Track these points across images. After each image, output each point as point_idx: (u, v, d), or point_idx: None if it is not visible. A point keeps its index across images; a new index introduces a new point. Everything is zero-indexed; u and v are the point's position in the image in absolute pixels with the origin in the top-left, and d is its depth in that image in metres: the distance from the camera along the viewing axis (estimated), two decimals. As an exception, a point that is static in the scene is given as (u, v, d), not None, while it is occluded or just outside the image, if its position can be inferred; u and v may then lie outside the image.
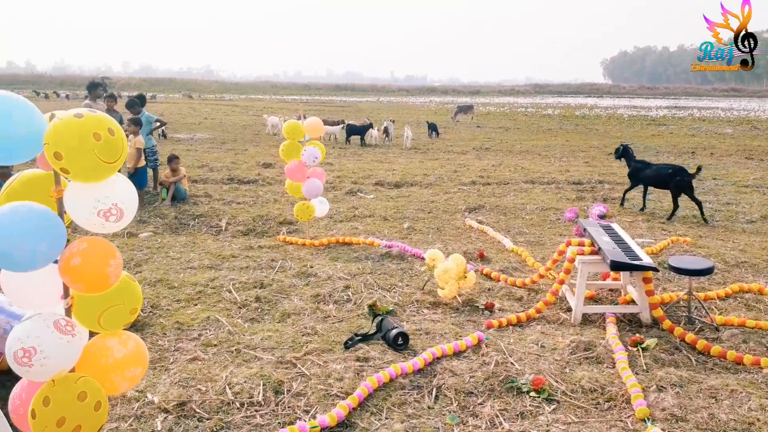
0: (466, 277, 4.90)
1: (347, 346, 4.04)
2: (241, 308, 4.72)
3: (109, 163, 2.07)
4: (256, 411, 3.22)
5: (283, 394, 3.39)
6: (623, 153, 9.23)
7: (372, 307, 4.64)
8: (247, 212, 8.28)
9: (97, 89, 8.59)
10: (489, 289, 5.27)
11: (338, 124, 19.23)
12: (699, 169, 8.24)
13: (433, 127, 20.89)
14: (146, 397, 3.31)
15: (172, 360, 3.79)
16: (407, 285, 5.32)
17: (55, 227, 2.15)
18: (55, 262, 2.28)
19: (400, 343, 4.03)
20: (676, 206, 8.20)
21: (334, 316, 4.61)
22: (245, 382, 3.47)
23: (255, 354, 3.89)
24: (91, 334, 2.43)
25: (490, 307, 4.77)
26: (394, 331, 4.06)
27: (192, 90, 69.50)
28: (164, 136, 17.74)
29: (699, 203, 8.14)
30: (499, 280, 5.46)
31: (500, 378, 3.59)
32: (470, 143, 18.91)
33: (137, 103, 9.18)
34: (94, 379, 2.21)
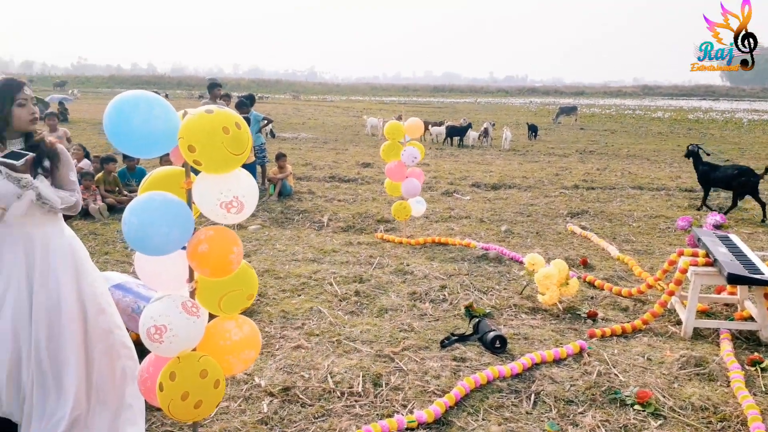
0: (568, 284, 4.77)
1: (444, 345, 4.07)
2: (341, 301, 4.88)
3: (236, 155, 2.22)
4: (355, 401, 3.32)
5: (382, 387, 3.48)
6: (691, 154, 8.85)
7: (469, 309, 4.64)
8: (347, 209, 8.51)
9: (215, 89, 9.16)
10: (592, 298, 5.09)
11: (440, 125, 19.35)
12: (767, 170, 8.06)
13: (533, 129, 20.41)
14: (254, 380, 3.51)
15: (277, 346, 3.99)
16: (505, 289, 5.26)
17: (185, 215, 2.34)
18: (183, 248, 2.48)
19: (497, 346, 4.00)
20: (734, 205, 8.23)
21: (430, 315, 4.65)
22: (346, 372, 3.59)
23: (355, 346, 4.01)
24: (210, 318, 2.62)
25: (592, 316, 4.62)
26: (492, 334, 4.04)
27: (296, 91, 72.13)
28: (273, 135, 18.56)
29: (763, 204, 8.02)
30: (603, 289, 5.26)
31: (602, 389, 3.48)
32: (573, 146, 18.29)
33: (246, 103, 9.67)
34: (213, 359, 2.39)
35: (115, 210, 7.94)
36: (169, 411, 2.32)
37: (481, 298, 5.00)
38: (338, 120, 28.84)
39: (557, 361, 3.84)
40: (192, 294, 2.50)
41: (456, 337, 4.15)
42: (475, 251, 6.40)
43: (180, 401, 2.27)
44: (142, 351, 2.62)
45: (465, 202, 9.38)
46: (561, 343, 4.06)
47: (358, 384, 3.47)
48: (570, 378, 3.61)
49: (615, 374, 3.66)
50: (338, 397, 3.35)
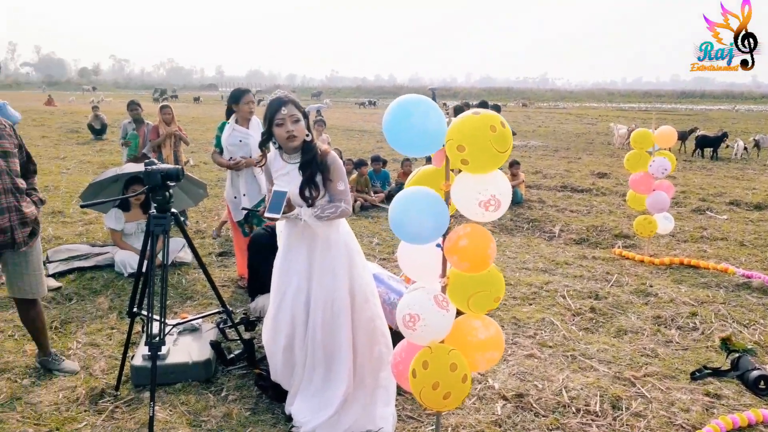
0: None
1: (695, 377, 3.69)
2: (575, 316, 4.71)
3: (501, 152, 2.32)
4: (592, 420, 3.19)
5: (621, 410, 3.28)
6: None
7: (726, 342, 4.13)
8: (580, 221, 8.17)
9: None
10: None
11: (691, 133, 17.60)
12: None
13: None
14: (488, 381, 3.58)
15: (509, 352, 4.01)
16: (772, 323, 4.57)
17: (441, 210, 2.51)
18: (438, 245, 2.65)
19: (762, 387, 3.50)
20: None
21: (677, 342, 4.24)
22: (582, 389, 3.47)
23: (591, 364, 3.85)
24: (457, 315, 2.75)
25: None
26: (756, 373, 3.55)
27: (527, 98, 71.14)
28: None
29: None
30: None
31: None
32: None
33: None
34: (461, 354, 2.51)
35: (364, 208, 8.71)
36: (420, 397, 2.49)
37: (741, 332, 4.41)
38: (570, 127, 27.75)
39: None
40: (443, 289, 2.65)
41: (710, 371, 3.73)
42: (734, 278, 5.66)
43: (431, 390, 2.43)
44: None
45: (721, 221, 8.33)
46: None
47: (596, 403, 3.32)
48: None
49: None
50: (573, 413, 3.25)
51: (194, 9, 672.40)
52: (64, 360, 3.71)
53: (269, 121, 2.91)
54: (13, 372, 3.61)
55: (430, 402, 2.48)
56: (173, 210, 3.17)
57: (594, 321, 4.62)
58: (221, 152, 5.08)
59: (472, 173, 2.42)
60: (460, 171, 2.59)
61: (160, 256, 3.32)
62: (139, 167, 4.44)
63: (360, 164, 9.33)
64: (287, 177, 2.99)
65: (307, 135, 2.96)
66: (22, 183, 3.36)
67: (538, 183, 11.33)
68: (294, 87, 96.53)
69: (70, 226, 7.23)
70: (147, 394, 3.29)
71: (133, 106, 8.17)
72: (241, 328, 3.75)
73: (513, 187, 9.02)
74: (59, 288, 5.09)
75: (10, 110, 4.82)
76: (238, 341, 3.70)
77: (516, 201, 9.16)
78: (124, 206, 5.73)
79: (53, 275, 5.36)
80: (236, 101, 4.98)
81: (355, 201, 8.70)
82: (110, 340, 4.11)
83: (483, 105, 10.68)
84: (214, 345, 3.66)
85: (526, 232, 7.68)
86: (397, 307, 2.60)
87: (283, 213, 2.80)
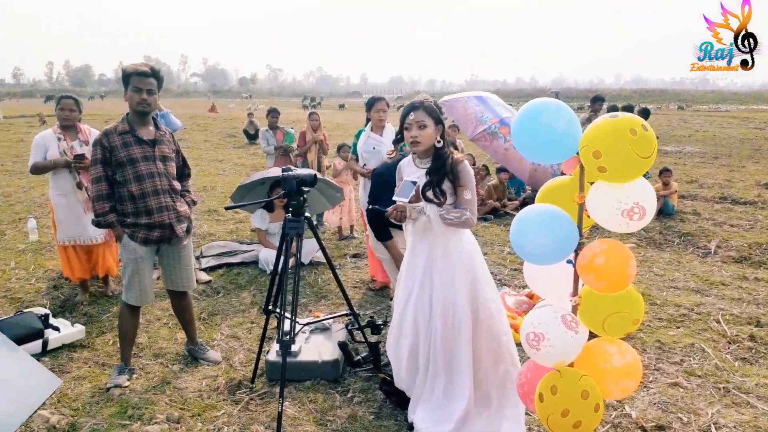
0: None
1: None
2: (730, 343, 4.22)
3: (644, 158, 2.12)
4: (747, 465, 2.83)
5: (784, 458, 2.88)
6: None
7: None
8: (741, 236, 7.32)
9: (596, 103, 9.02)
10: None
11: None
12: None
13: None
14: (624, 408, 3.31)
15: (651, 378, 3.68)
16: None
17: (566, 231, 2.36)
18: (569, 262, 2.49)
19: None
20: None
21: None
22: (734, 427, 3.09)
23: (747, 399, 3.41)
24: (590, 337, 2.57)
25: None
26: None
27: (683, 100, 65.56)
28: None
29: None
30: None
31: None
32: None
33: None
34: (593, 381, 2.33)
35: (498, 214, 8.54)
36: (547, 423, 2.36)
37: None
38: (733, 132, 25.05)
39: None
40: (574, 309, 2.49)
41: None
42: None
43: (559, 417, 2.29)
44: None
45: None
46: None
47: (752, 446, 2.94)
48: None
49: None
50: (725, 455, 2.90)
51: (342, 21, 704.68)
52: (208, 350, 4.02)
53: (400, 123, 3.01)
54: (165, 357, 3.99)
55: (559, 429, 2.34)
56: (306, 214, 3.30)
57: (754, 351, 4.10)
58: (357, 159, 5.23)
59: (611, 182, 2.25)
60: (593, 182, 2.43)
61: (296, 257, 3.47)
62: (278, 170, 4.69)
63: (500, 170, 9.16)
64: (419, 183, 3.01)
65: (438, 141, 2.96)
66: (177, 185, 3.70)
67: (693, 193, 10.34)
68: (433, 92, 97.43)
69: (222, 224, 7.86)
70: (279, 389, 3.46)
71: (273, 114, 8.62)
72: (368, 331, 3.82)
73: (664, 197, 8.38)
74: (209, 281, 5.55)
75: (173, 118, 5.33)
76: (365, 343, 3.77)
77: (667, 212, 8.44)
78: (269, 207, 6.11)
79: (205, 269, 5.86)
80: (369, 109, 5.12)
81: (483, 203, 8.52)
82: (250, 333, 4.39)
83: (628, 109, 9.98)
84: (342, 346, 3.77)
85: (677, 247, 7.03)
86: (522, 324, 2.49)
87: (410, 201, 2.84)
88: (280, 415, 3.02)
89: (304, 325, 3.84)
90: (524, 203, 8.66)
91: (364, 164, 5.15)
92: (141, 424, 3.15)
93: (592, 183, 2.43)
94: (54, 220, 4.94)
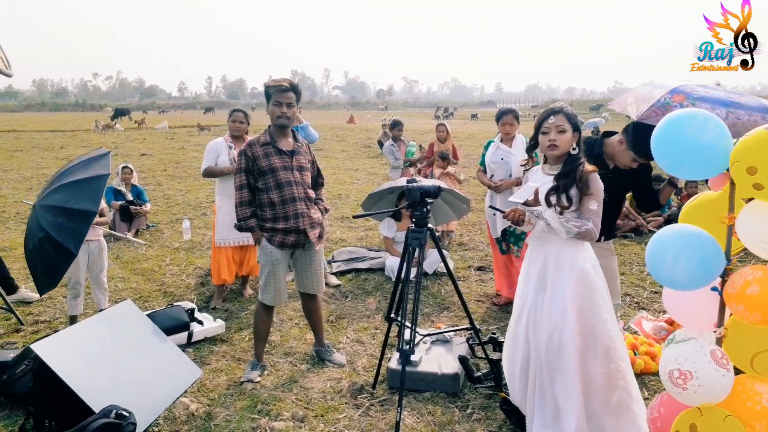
0: None
1: None
2: None
3: None
4: None
5: None
6: None
7: None
8: None
9: None
10: None
11: None
12: None
13: None
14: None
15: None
16: None
17: (706, 250, 2.14)
18: (714, 289, 2.26)
19: None
20: None
21: None
22: None
23: None
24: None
25: None
26: None
27: None
28: None
29: None
30: None
31: None
32: None
33: None
34: (740, 422, 2.09)
35: (640, 232, 7.99)
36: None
37: None
38: None
39: None
40: (718, 341, 2.26)
41: None
42: None
43: (692, 457, 2.08)
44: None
45: None
46: None
47: None
48: None
49: None
50: None
51: (475, 31, 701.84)
52: (334, 352, 4.16)
53: (536, 128, 2.97)
54: (295, 356, 4.19)
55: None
56: (430, 225, 3.31)
57: None
58: (485, 170, 5.16)
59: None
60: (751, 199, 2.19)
61: (417, 267, 3.50)
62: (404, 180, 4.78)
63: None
64: (543, 188, 2.92)
65: (574, 149, 2.91)
66: (312, 193, 3.89)
67: None
68: (572, 100, 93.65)
69: (353, 231, 8.14)
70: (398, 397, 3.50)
71: (398, 127, 8.77)
72: (490, 347, 3.74)
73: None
74: (339, 285, 5.76)
75: (311, 130, 5.63)
76: (486, 359, 3.70)
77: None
78: (396, 216, 6.22)
79: (335, 273, 6.09)
80: (497, 120, 5.05)
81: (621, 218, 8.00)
82: (373, 339, 4.49)
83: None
84: (463, 360, 3.72)
85: None
86: (663, 356, 2.29)
87: (528, 204, 2.79)
88: (398, 424, 3.04)
89: (425, 335, 3.85)
90: (668, 221, 8.01)
91: (491, 175, 5.07)
92: (269, 420, 3.33)
93: (747, 200, 2.20)
94: (215, 222, 5.40)
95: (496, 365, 3.60)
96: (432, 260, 5.96)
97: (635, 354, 3.93)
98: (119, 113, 44.13)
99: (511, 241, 5.03)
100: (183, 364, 3.79)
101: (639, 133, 3.31)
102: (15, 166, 16.23)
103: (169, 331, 4.14)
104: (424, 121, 40.77)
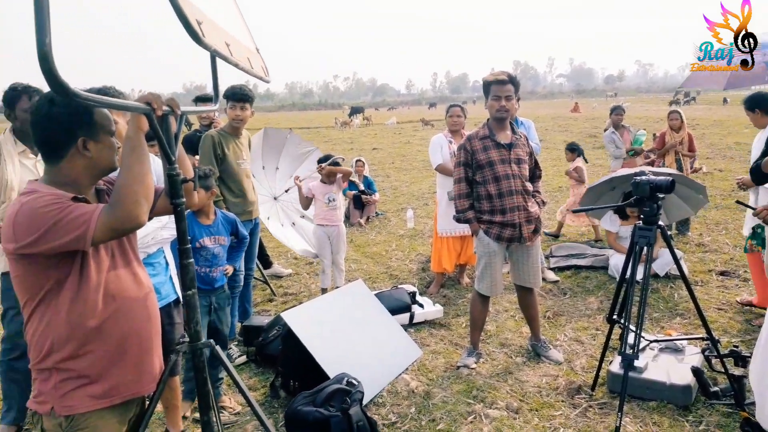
0: None
1: None
2: None
3: None
4: None
5: None
6: None
7: None
8: None
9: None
10: None
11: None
12: None
13: None
14: None
15: None
16: None
17: None
18: None
19: None
20: None
21: None
22: None
23: None
24: None
25: None
26: None
27: None
28: None
29: None
30: None
31: None
32: None
33: None
34: None
35: None
36: None
37: None
38: None
39: None
40: None
41: None
42: None
43: None
44: None
45: None
46: None
47: None
48: None
49: None
50: None
51: None
52: (551, 348, 4.09)
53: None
54: (510, 348, 4.22)
55: None
56: (660, 223, 3.07)
57: None
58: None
59: None
60: None
61: (645, 267, 3.27)
62: (630, 171, 4.45)
63: None
64: None
65: None
66: (529, 186, 3.87)
67: None
68: None
69: (571, 227, 7.81)
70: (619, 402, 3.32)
71: (617, 112, 7.99)
72: (731, 361, 3.34)
73: None
74: (557, 281, 5.61)
75: (534, 133, 5.54)
76: (725, 374, 3.31)
77: None
78: (621, 214, 5.82)
79: (553, 269, 5.94)
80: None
81: None
82: (593, 340, 4.30)
83: None
84: (696, 372, 3.38)
85: None
86: None
87: None
88: (617, 429, 2.90)
89: (652, 341, 3.58)
90: None
91: None
92: (483, 406, 3.42)
93: None
94: (436, 213, 5.67)
95: (738, 381, 3.20)
96: (664, 261, 5.47)
97: None
98: (355, 111, 47.94)
99: (757, 242, 4.40)
100: (406, 343, 4.07)
101: None
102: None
103: (393, 311, 4.46)
104: (660, 108, 37.05)
